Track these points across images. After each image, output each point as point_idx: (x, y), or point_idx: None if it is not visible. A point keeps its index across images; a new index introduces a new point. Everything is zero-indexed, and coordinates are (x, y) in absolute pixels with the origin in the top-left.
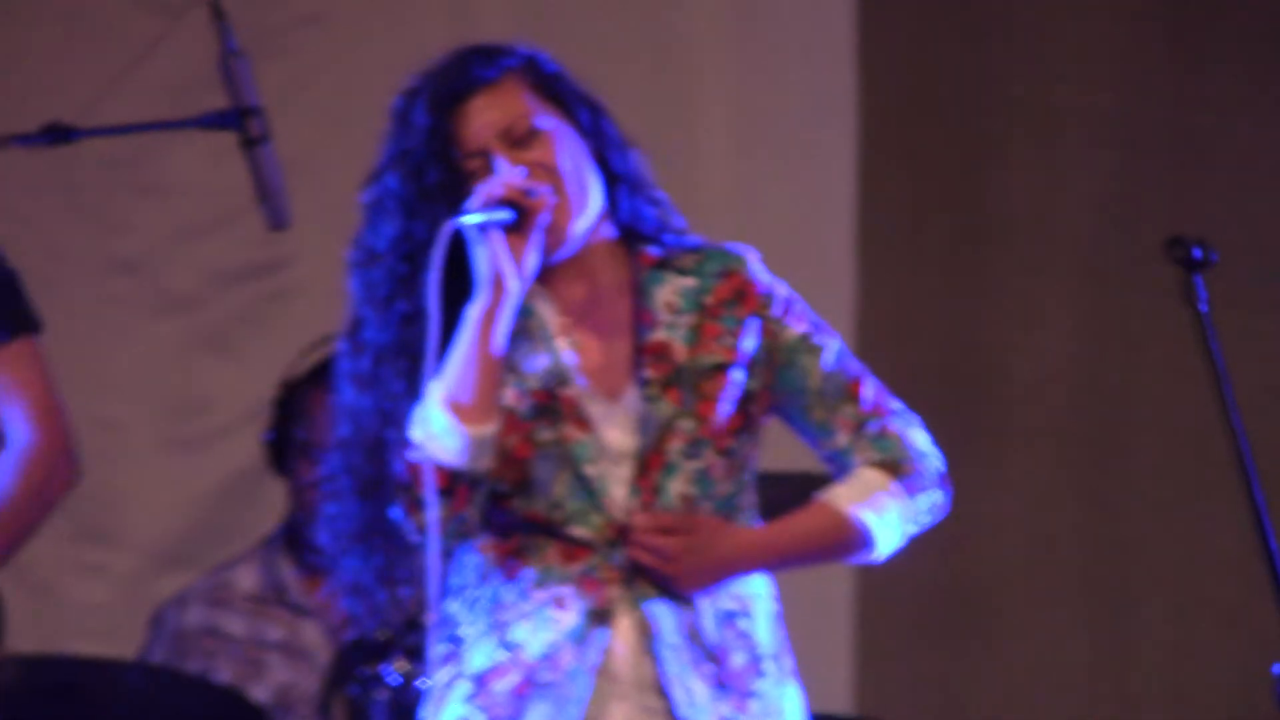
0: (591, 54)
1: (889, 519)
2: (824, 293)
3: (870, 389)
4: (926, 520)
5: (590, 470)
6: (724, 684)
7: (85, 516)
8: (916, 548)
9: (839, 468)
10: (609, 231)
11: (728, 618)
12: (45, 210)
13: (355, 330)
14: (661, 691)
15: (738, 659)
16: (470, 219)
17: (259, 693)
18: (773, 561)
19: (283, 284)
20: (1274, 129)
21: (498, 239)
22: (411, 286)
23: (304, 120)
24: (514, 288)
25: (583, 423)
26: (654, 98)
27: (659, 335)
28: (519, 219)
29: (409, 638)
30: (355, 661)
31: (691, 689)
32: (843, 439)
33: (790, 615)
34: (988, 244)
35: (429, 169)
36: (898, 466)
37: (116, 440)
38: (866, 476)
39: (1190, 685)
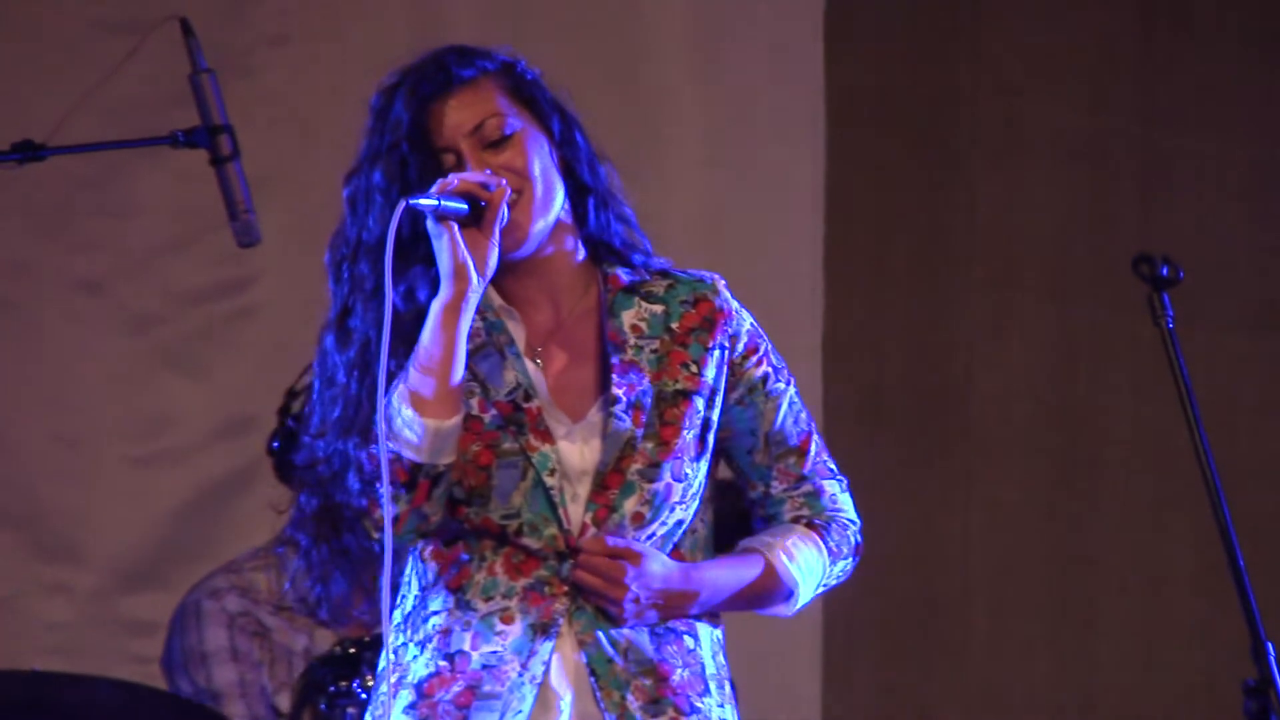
0: (559, 75)
1: (812, 578)
2: (792, 308)
3: (815, 446)
4: (834, 585)
5: (550, 481)
6: (663, 698)
7: (49, 534)
8: (884, 561)
9: (765, 514)
10: (577, 253)
11: (673, 635)
12: (11, 229)
13: (343, 319)
14: (600, 705)
15: (680, 675)
16: (424, 201)
17: (286, 703)
18: (711, 603)
19: (247, 302)
20: (1240, 147)
21: (456, 232)
22: (398, 276)
23: (269, 140)
24: (475, 283)
25: (545, 435)
26: (622, 118)
27: (627, 356)
28: (476, 213)
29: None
30: (324, 677)
31: (629, 703)
32: (777, 488)
33: (759, 627)
34: (954, 259)
35: (410, 162)
36: (825, 529)
37: (81, 458)
38: (798, 533)
39: (1155, 699)
